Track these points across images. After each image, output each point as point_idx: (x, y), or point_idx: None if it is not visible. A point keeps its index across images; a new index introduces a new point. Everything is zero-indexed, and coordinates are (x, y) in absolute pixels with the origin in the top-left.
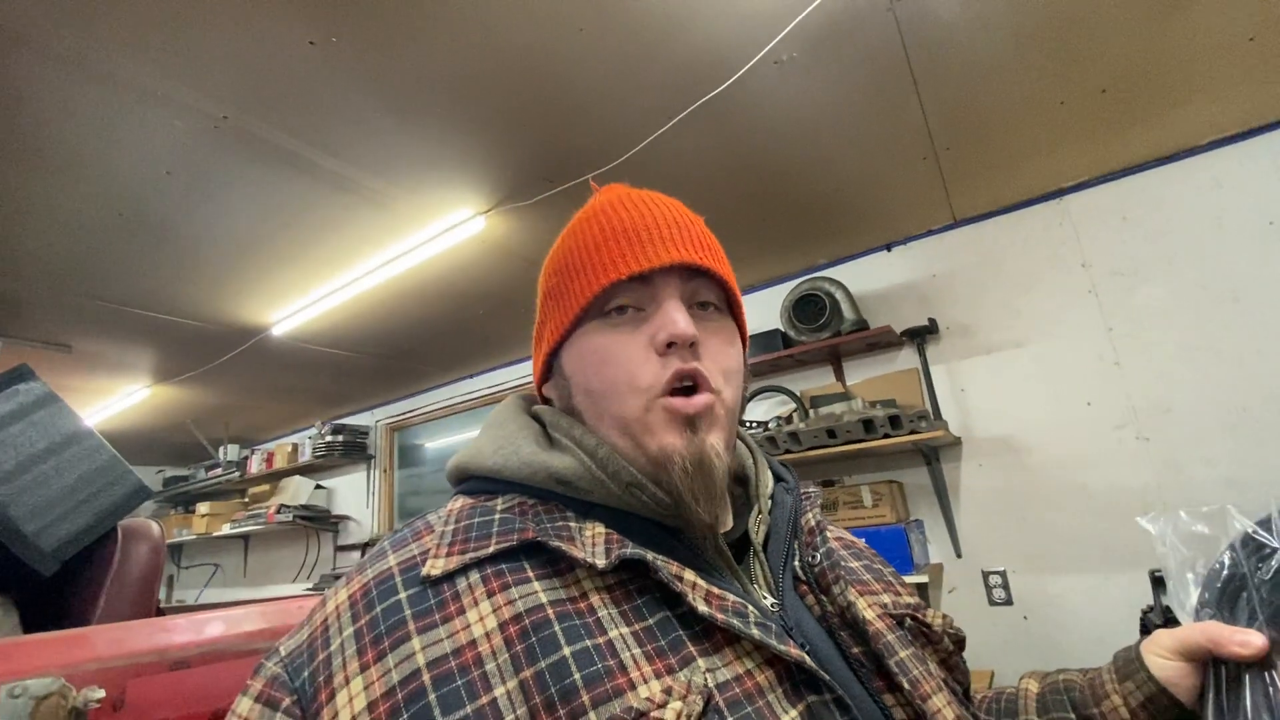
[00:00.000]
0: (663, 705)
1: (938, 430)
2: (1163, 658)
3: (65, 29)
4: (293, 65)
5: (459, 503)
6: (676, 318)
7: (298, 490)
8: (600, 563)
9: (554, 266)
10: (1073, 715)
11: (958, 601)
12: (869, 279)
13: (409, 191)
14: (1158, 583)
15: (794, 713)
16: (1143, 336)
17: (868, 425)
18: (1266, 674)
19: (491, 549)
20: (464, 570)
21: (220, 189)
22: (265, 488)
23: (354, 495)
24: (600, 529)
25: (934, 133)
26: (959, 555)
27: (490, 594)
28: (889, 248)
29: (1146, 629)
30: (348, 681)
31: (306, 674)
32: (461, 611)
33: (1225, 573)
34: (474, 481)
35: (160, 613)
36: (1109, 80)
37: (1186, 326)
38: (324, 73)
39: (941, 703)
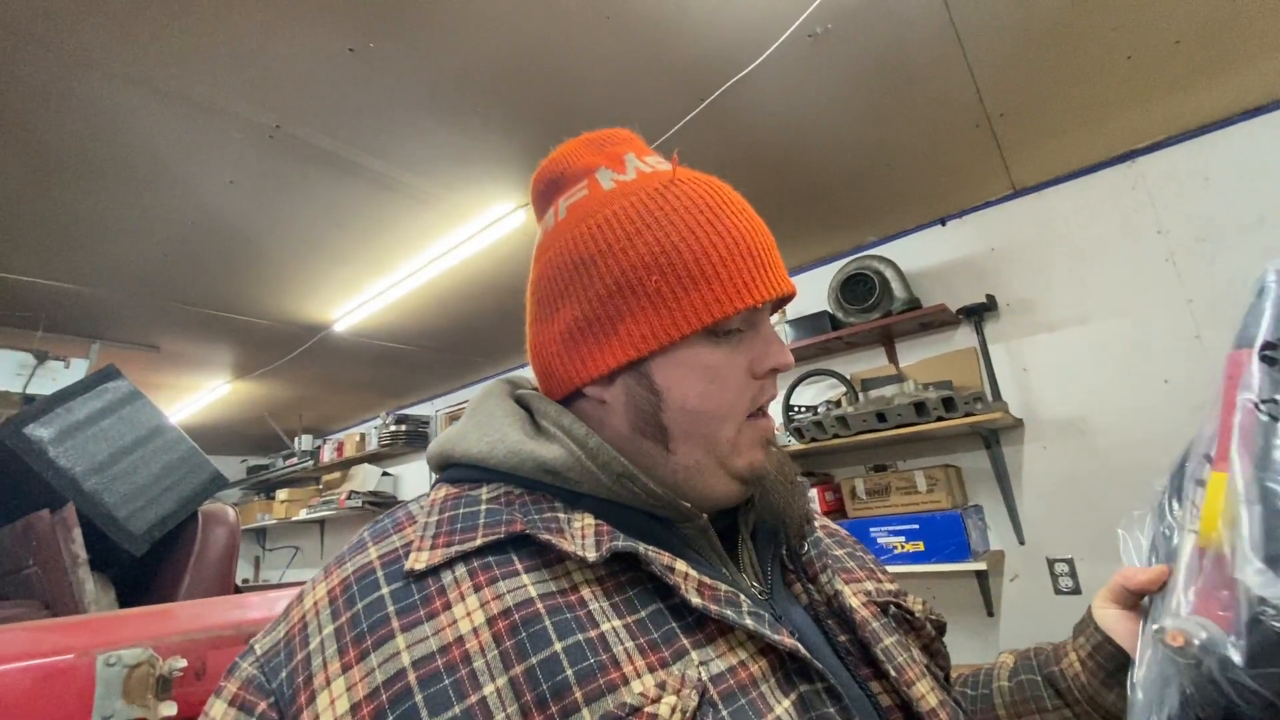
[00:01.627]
0: (657, 700)
1: (996, 412)
2: (1102, 607)
3: (128, 51)
4: (334, 73)
5: (442, 491)
6: (785, 349)
7: (366, 477)
8: (591, 555)
9: (650, 258)
10: (1037, 675)
11: (1020, 590)
12: (922, 255)
13: (452, 188)
14: None
15: (786, 703)
16: (1227, 308)
17: (919, 408)
18: (1162, 599)
19: (478, 541)
20: (449, 564)
21: (277, 195)
22: (337, 475)
23: (418, 481)
24: (590, 520)
25: (986, 98)
26: (1021, 542)
27: (477, 588)
28: (943, 222)
29: None
30: (329, 683)
31: (284, 675)
32: (447, 607)
33: (1153, 527)
34: (457, 469)
35: (239, 591)
36: (1183, 30)
37: None
38: (364, 78)
39: (925, 689)
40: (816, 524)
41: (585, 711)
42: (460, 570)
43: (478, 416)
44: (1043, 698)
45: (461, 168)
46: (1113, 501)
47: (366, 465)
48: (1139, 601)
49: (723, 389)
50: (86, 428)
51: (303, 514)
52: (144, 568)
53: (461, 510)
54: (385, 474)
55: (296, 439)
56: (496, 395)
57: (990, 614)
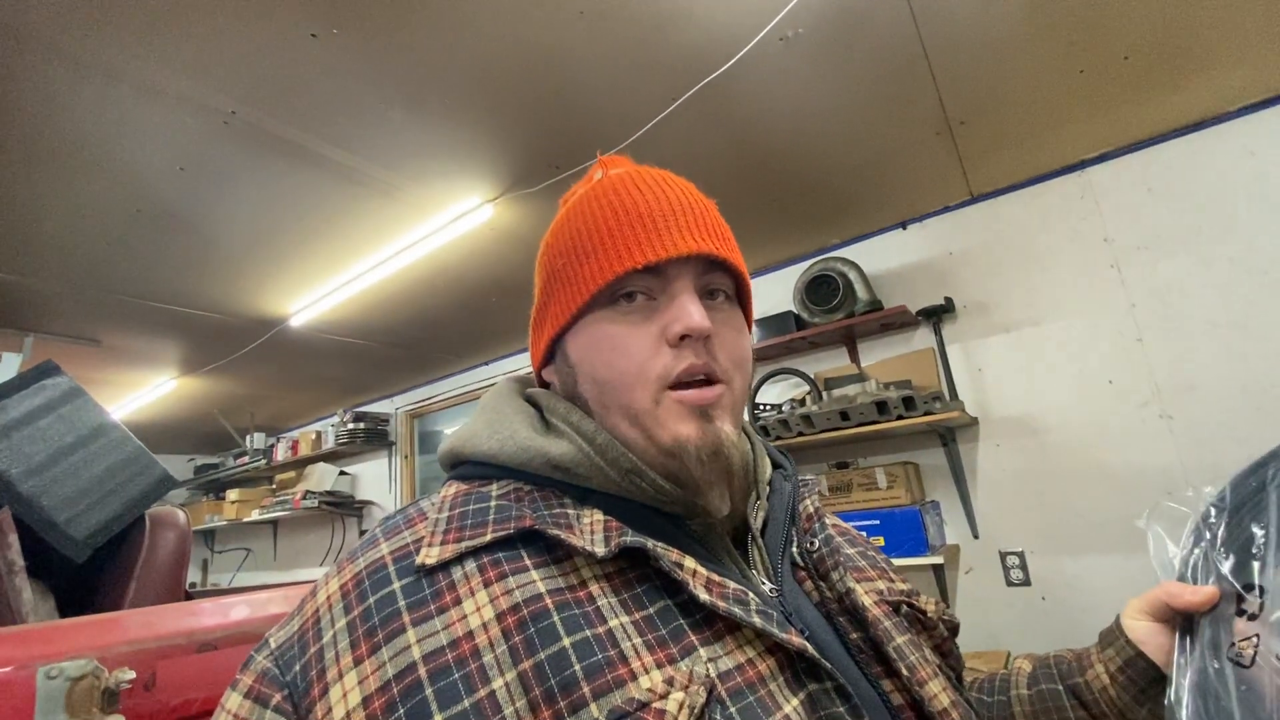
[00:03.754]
0: (664, 696)
1: (953, 411)
2: (1134, 619)
3: (73, 28)
4: (296, 59)
5: (453, 488)
6: (691, 310)
7: (322, 477)
8: (600, 551)
9: (560, 247)
10: (1059, 685)
11: (975, 582)
12: (884, 258)
13: (416, 181)
14: None
15: (795, 701)
16: (1167, 312)
17: (881, 407)
18: (1217, 622)
19: (488, 537)
20: (459, 559)
21: (233, 183)
22: (291, 475)
23: (377, 481)
24: (599, 516)
25: (948, 106)
26: (976, 536)
27: (487, 584)
28: (904, 226)
29: None
30: (341, 676)
31: (298, 668)
32: (458, 602)
33: (1193, 540)
34: (468, 466)
35: (189, 596)
36: (1131, 46)
37: (1212, 302)
38: (327, 65)
39: (937, 688)
40: (828, 522)
41: (593, 706)
42: (470, 565)
43: (488, 414)
44: (1065, 708)
45: (427, 160)
46: (1061, 497)
47: (323, 464)
48: (1177, 617)
49: (625, 357)
50: (22, 427)
51: (255, 515)
52: (87, 575)
53: (472, 506)
54: (343, 473)
55: (249, 437)
56: (506, 394)
57: (947, 605)
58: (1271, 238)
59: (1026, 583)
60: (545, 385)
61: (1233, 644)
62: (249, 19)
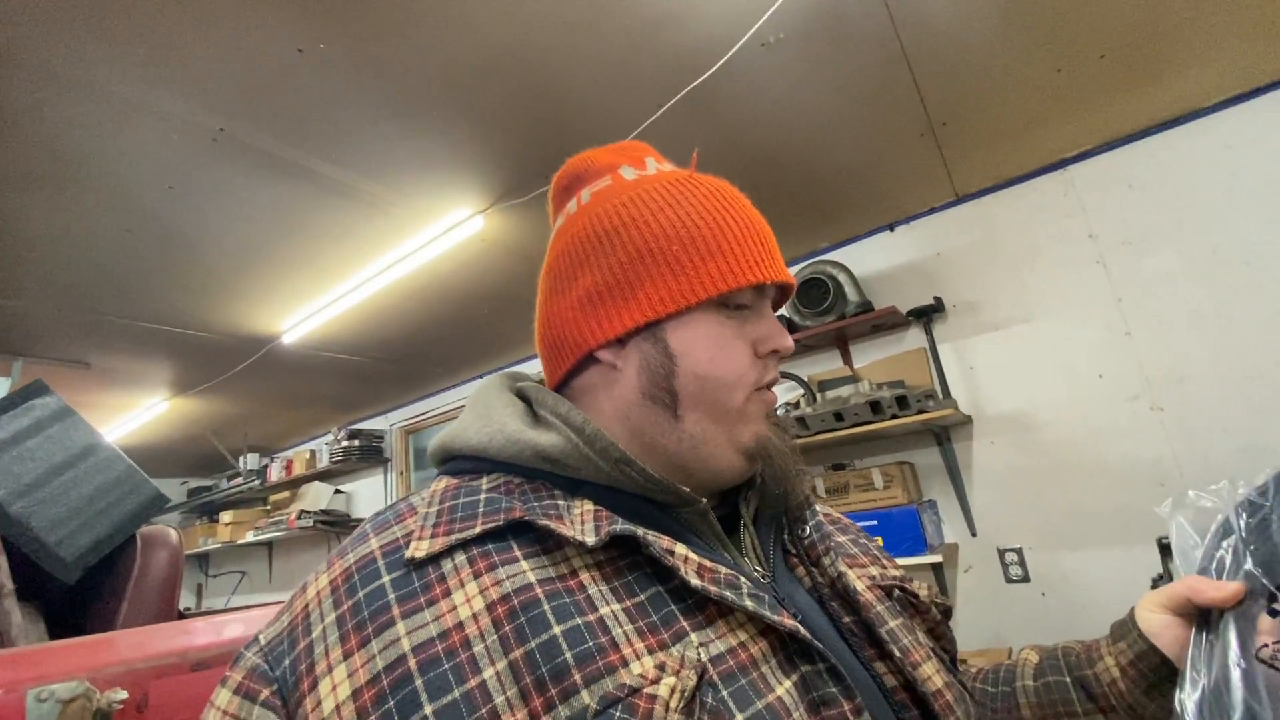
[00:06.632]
0: (656, 681)
1: (947, 409)
2: (1150, 612)
3: (60, 47)
4: (282, 73)
5: (443, 483)
6: (786, 333)
7: (317, 496)
8: (590, 540)
9: (671, 230)
10: (1067, 678)
11: (974, 580)
12: (873, 260)
13: (406, 194)
14: (1165, 550)
15: (788, 683)
16: (1153, 306)
17: (875, 407)
18: (1242, 619)
19: (478, 529)
20: (449, 552)
21: (222, 201)
22: (286, 495)
23: (372, 498)
24: (589, 506)
25: (930, 108)
26: (974, 534)
27: (477, 575)
28: (891, 228)
29: None
30: (330, 670)
31: (287, 663)
32: (448, 594)
33: (1221, 534)
34: (458, 461)
35: (182, 617)
36: (1107, 44)
37: (1197, 294)
38: (313, 79)
39: (931, 670)
40: (819, 510)
41: (585, 693)
42: (460, 558)
43: (477, 409)
44: (1073, 701)
45: (417, 173)
46: (1058, 492)
47: (318, 483)
48: (1194, 612)
49: (732, 358)
50: (10, 448)
51: (249, 536)
52: (78, 597)
53: (461, 500)
54: (338, 492)
55: (241, 458)
56: (496, 388)
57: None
58: (1251, 229)
59: (1026, 579)
60: (576, 368)
61: (1265, 645)
62: (235, 34)
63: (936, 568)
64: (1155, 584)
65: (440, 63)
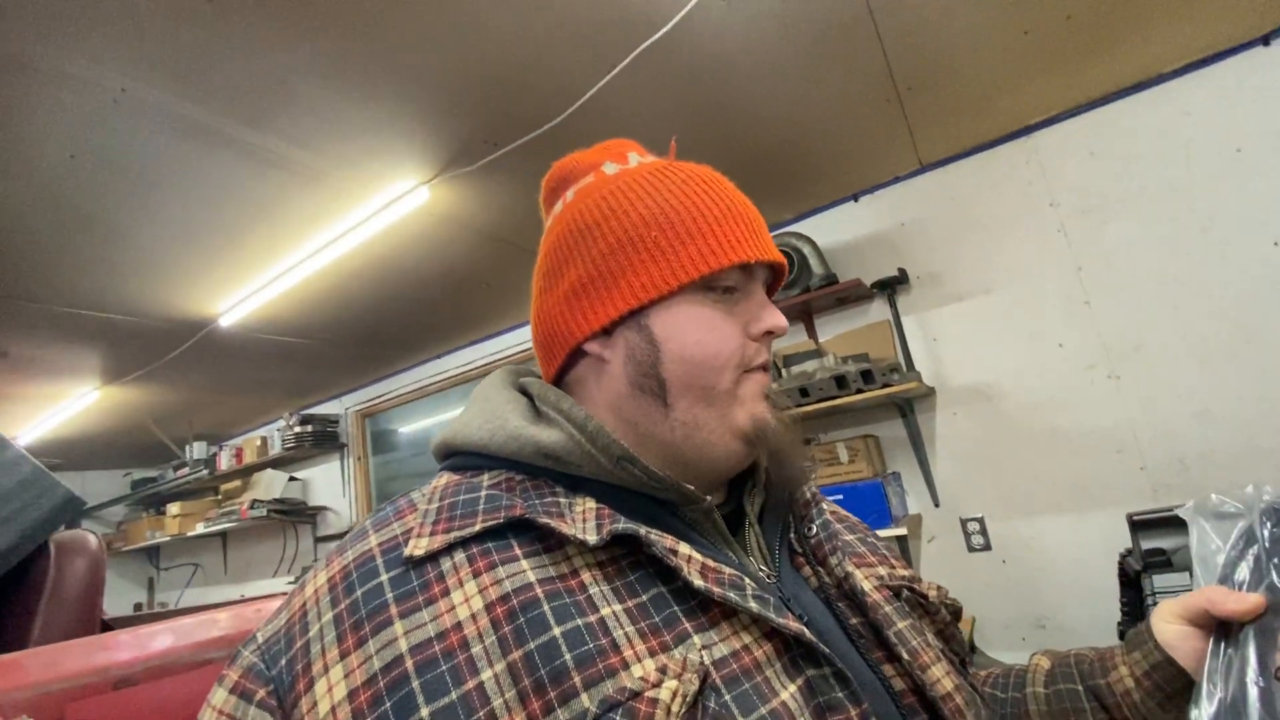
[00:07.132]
0: (657, 684)
1: (911, 382)
2: (1166, 622)
3: None
4: (189, 26)
5: (444, 479)
6: (777, 313)
7: (270, 484)
8: (591, 539)
9: (650, 217)
10: (1079, 686)
11: (937, 550)
12: (837, 231)
13: (342, 163)
14: (1136, 526)
15: (793, 687)
16: (1112, 274)
17: (840, 381)
18: (1263, 634)
19: (478, 527)
20: (449, 550)
21: (133, 171)
22: (237, 484)
23: (329, 485)
24: (591, 504)
25: (895, 72)
26: (937, 505)
27: (476, 574)
28: (856, 198)
29: (1125, 573)
30: (326, 670)
31: (284, 662)
32: (446, 593)
33: (1244, 543)
34: (460, 457)
35: (109, 627)
36: (1073, 6)
37: (1156, 261)
38: (225, 33)
39: (940, 673)
40: (825, 508)
41: (584, 696)
42: (459, 556)
43: (479, 404)
44: (1084, 709)
45: (353, 141)
46: (1018, 461)
47: (270, 471)
48: (1212, 623)
49: (721, 340)
50: None
51: (200, 528)
52: None
53: (462, 497)
54: (293, 479)
55: (188, 447)
56: (497, 383)
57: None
58: (1210, 196)
59: (987, 548)
60: (568, 361)
61: None
62: None
63: (901, 540)
64: (1123, 559)
65: (371, 18)
